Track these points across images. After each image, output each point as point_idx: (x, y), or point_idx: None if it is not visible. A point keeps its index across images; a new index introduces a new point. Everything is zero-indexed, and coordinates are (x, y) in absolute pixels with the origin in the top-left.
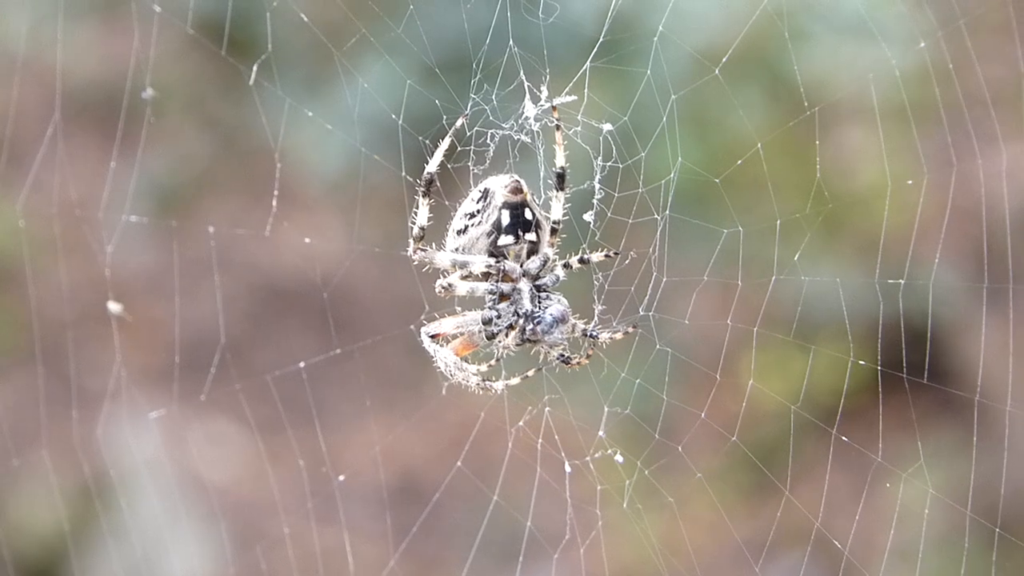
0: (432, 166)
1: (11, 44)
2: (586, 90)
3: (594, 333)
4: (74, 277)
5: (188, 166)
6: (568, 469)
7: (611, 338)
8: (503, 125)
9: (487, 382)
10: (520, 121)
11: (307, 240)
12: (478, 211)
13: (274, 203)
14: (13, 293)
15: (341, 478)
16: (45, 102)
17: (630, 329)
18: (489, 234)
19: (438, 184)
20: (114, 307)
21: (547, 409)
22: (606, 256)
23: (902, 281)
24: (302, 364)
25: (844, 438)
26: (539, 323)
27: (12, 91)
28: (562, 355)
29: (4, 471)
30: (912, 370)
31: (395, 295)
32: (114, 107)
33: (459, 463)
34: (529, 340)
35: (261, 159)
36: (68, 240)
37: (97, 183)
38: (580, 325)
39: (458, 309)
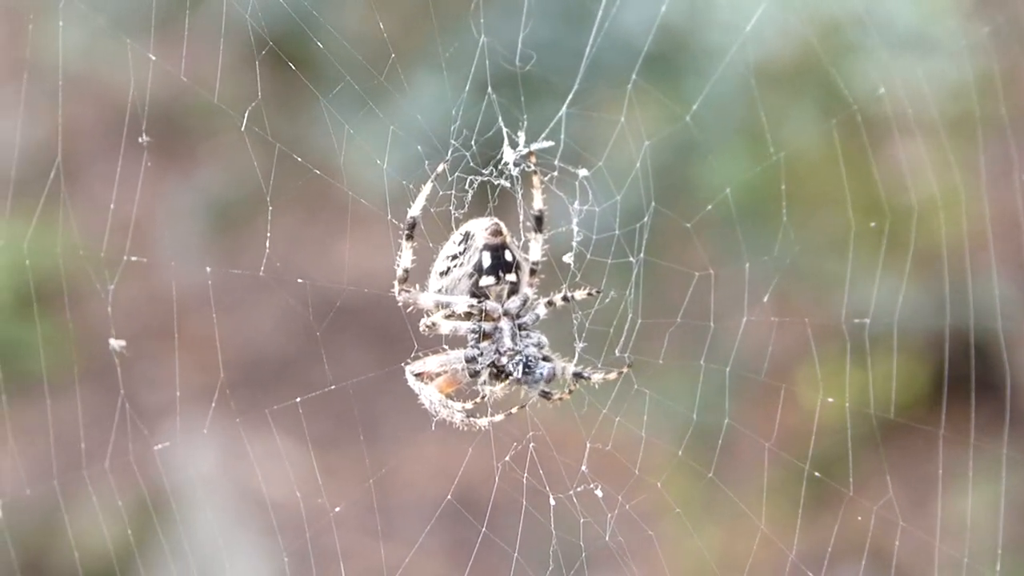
0: (415, 210)
1: (67, 62)
2: (562, 135)
3: (586, 375)
4: (132, 294)
5: (244, 183)
6: (552, 502)
7: (604, 379)
8: (483, 171)
9: (472, 419)
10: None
11: (299, 280)
12: (460, 253)
13: (267, 244)
14: (72, 311)
15: (337, 509)
16: (100, 120)
17: (624, 369)
18: (471, 275)
19: (421, 227)
20: (116, 343)
21: (531, 445)
22: (588, 294)
23: (867, 320)
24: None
25: (817, 474)
26: (529, 374)
27: (68, 109)
28: (544, 392)
29: (63, 488)
30: (967, 382)
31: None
32: (171, 125)
33: (449, 496)
34: (515, 380)
35: (316, 175)
36: (144, 260)
37: (155, 201)
38: (571, 368)
39: (445, 347)
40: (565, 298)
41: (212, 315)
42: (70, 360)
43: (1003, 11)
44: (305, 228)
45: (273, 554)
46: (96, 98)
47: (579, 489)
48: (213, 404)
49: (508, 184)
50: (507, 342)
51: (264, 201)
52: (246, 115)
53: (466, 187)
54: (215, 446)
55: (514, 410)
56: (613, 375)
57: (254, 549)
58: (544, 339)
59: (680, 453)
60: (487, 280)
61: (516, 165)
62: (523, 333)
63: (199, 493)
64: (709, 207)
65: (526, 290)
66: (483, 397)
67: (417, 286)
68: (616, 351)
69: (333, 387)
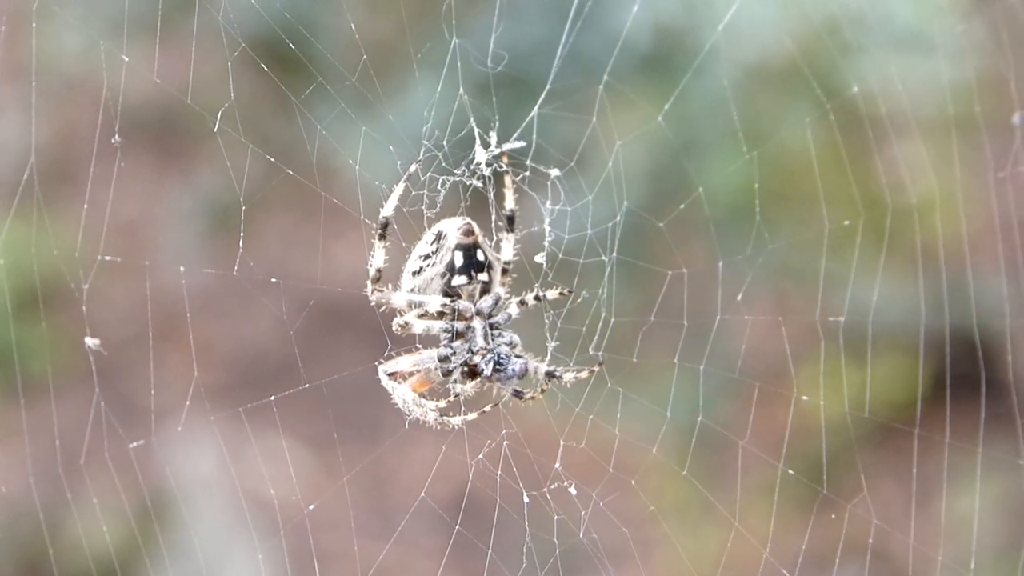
0: (387, 210)
1: (65, 64)
2: (534, 135)
3: (558, 374)
4: (130, 296)
5: (241, 184)
6: (526, 500)
7: (576, 378)
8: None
9: (445, 418)
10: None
11: (273, 280)
12: (432, 253)
13: (240, 243)
14: (69, 312)
15: (311, 507)
16: (98, 122)
17: (596, 368)
18: (443, 275)
19: (394, 226)
20: (91, 342)
21: (505, 443)
22: (560, 294)
23: (842, 319)
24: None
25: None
26: (501, 371)
27: (67, 111)
28: (516, 391)
29: (60, 490)
30: (963, 381)
31: None
32: (168, 126)
33: (423, 494)
34: (487, 378)
35: (312, 177)
36: (123, 259)
37: (152, 202)
38: (543, 368)
39: (418, 347)
40: (537, 297)
41: (213, 318)
42: (62, 363)
43: (1001, 10)
44: (303, 228)
45: (258, 554)
46: (94, 101)
47: (553, 487)
48: (189, 403)
49: (480, 184)
50: (479, 341)
51: (260, 203)
52: (219, 116)
53: (438, 187)
54: (209, 447)
55: (487, 408)
56: (584, 374)
57: (238, 550)
58: (516, 338)
59: (655, 451)
60: (459, 280)
61: (488, 165)
62: (495, 332)
63: (194, 494)
64: (681, 206)
65: (498, 290)
66: (456, 396)
67: (390, 286)
68: (590, 349)
69: (307, 386)
